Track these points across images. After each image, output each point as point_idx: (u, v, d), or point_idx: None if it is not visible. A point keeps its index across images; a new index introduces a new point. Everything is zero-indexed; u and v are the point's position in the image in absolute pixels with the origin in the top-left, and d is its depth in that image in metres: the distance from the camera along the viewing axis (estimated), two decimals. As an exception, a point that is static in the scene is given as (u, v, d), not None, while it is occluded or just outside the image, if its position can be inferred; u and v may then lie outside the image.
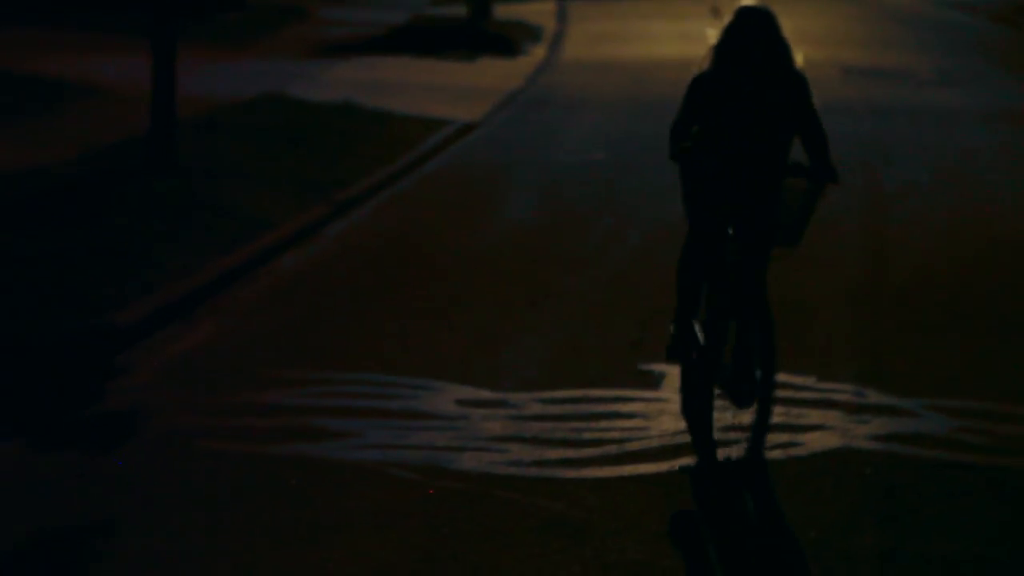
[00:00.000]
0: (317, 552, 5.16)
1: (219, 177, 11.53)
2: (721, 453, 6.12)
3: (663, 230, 10.64)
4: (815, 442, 6.35)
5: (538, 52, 23.14)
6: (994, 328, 8.35)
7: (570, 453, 6.16)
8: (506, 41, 23.02)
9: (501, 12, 26.94)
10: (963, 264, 9.82)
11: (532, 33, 25.31)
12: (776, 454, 6.20)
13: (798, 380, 7.13)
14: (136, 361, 7.37)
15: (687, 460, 6.09)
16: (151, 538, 5.26)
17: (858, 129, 15.32)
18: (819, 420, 6.62)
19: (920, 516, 5.61)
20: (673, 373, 7.24)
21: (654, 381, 7.13)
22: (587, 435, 6.38)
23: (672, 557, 5.19)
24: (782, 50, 5.96)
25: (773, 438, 6.34)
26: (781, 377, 7.12)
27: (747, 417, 6.22)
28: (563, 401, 6.82)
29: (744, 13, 5.96)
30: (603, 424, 6.53)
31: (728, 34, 5.96)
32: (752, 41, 5.90)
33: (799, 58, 6.02)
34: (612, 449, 6.22)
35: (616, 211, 11.41)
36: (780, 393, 6.93)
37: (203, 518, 5.45)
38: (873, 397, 6.96)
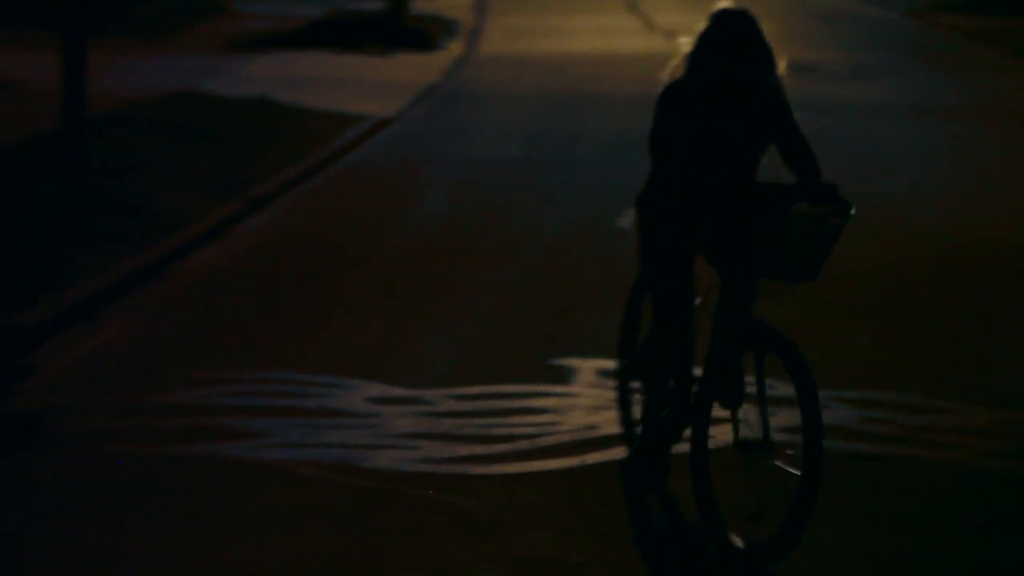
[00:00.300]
0: (226, 553, 5.13)
1: (131, 174, 11.42)
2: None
3: (578, 226, 10.70)
4: (724, 435, 6.40)
5: (455, 47, 23.14)
6: (903, 320, 8.47)
7: (481, 449, 6.17)
8: (423, 36, 22.99)
9: (418, 6, 26.88)
10: (874, 257, 9.93)
11: (449, 28, 25.30)
12: (683, 447, 6.24)
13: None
14: (43, 361, 7.28)
15: (597, 455, 6.13)
16: (56, 542, 5.20)
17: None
18: (724, 412, 6.66)
19: (826, 506, 5.67)
20: (585, 367, 7.29)
21: (565, 376, 7.16)
22: (498, 431, 6.40)
23: (582, 552, 5.21)
24: (765, 56, 5.40)
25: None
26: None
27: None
28: (475, 397, 6.83)
29: (722, 17, 5.41)
30: (515, 420, 6.54)
31: (704, 40, 5.39)
32: (730, 47, 5.34)
33: (781, 65, 5.46)
34: (523, 445, 6.24)
35: (531, 207, 11.44)
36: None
37: (111, 521, 5.40)
38: (781, 389, 6.99)
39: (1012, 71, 20.78)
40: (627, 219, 10.86)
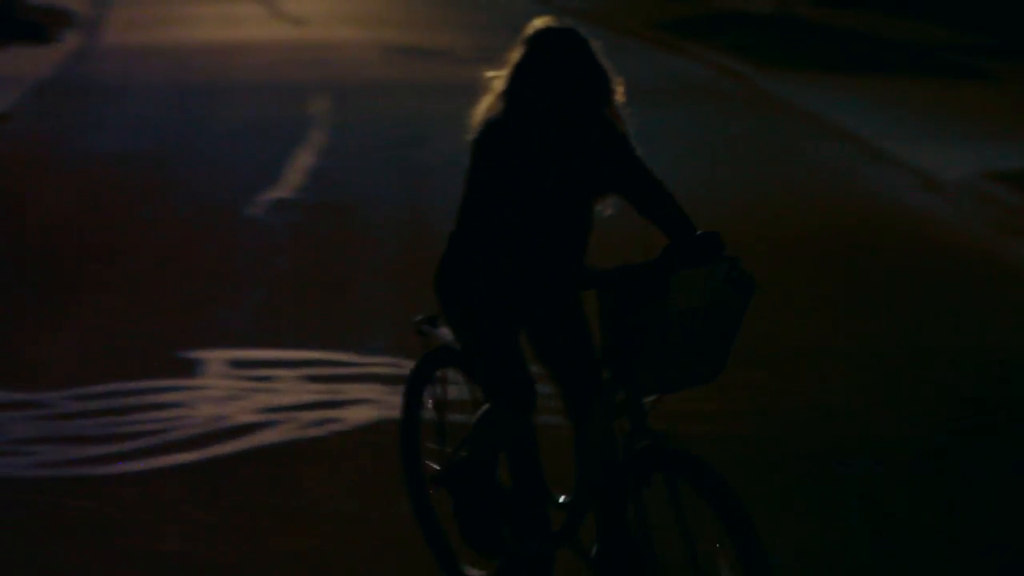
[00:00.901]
0: None
1: None
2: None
3: (206, 216, 10.51)
4: (355, 416, 6.43)
5: (75, 39, 22.32)
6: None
7: (105, 449, 5.99)
8: (39, 27, 22.08)
9: (34, -2, 25.81)
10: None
11: (68, 19, 24.39)
12: (317, 431, 6.24)
13: (336, 356, 7.21)
14: None
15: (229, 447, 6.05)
16: None
17: (399, 108, 15.62)
18: (359, 394, 6.71)
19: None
20: (213, 359, 7.17)
21: (193, 368, 7.02)
22: (124, 429, 6.22)
23: (212, 545, 5.14)
24: (599, 83, 4.28)
25: (312, 416, 6.40)
26: (319, 355, 7.20)
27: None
28: (99, 396, 6.62)
29: (543, 39, 4.26)
30: (141, 416, 6.38)
31: (523, 69, 4.24)
32: (557, 75, 4.21)
33: (620, 90, 4.34)
34: (150, 441, 6.09)
35: (159, 199, 11.16)
36: (319, 371, 7.00)
37: None
38: (410, 367, 7.10)
39: (626, 51, 21.64)
40: (256, 207, 10.78)
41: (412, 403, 4.88)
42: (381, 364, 7.12)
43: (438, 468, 4.73)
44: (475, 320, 4.32)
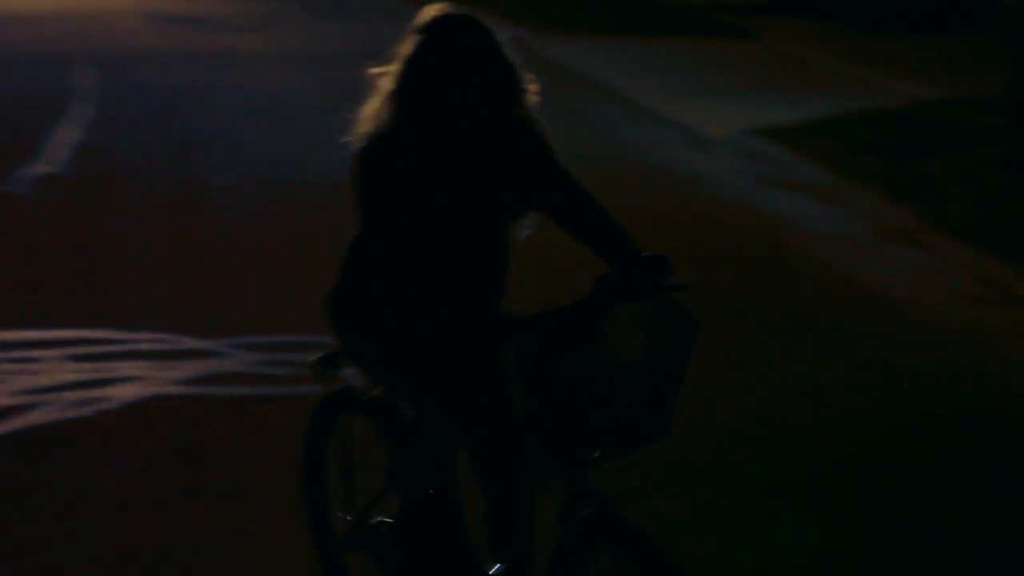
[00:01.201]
0: None
1: None
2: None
3: (16, 201, 10.15)
4: (124, 394, 6.29)
5: None
6: (311, 270, 8.53)
7: None
8: None
9: None
10: (277, 210, 10.00)
11: None
12: (85, 411, 6.09)
13: (101, 334, 7.03)
14: None
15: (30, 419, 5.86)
16: None
17: (167, 78, 15.28)
18: (125, 372, 6.56)
19: (225, 451, 5.69)
20: (19, 335, 6.93)
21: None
22: None
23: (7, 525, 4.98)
24: (507, 78, 3.61)
25: (77, 395, 6.23)
26: (82, 334, 7.00)
27: None
28: None
29: (438, 29, 3.57)
30: None
31: (416, 65, 3.56)
32: (457, 72, 3.53)
33: (533, 88, 3.69)
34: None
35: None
36: (83, 350, 6.82)
37: None
38: (179, 343, 6.98)
39: (396, 13, 21.57)
40: (17, 184, 10.40)
41: (314, 455, 4.24)
42: (148, 340, 6.97)
43: (349, 527, 4.11)
44: (389, 338, 3.62)
